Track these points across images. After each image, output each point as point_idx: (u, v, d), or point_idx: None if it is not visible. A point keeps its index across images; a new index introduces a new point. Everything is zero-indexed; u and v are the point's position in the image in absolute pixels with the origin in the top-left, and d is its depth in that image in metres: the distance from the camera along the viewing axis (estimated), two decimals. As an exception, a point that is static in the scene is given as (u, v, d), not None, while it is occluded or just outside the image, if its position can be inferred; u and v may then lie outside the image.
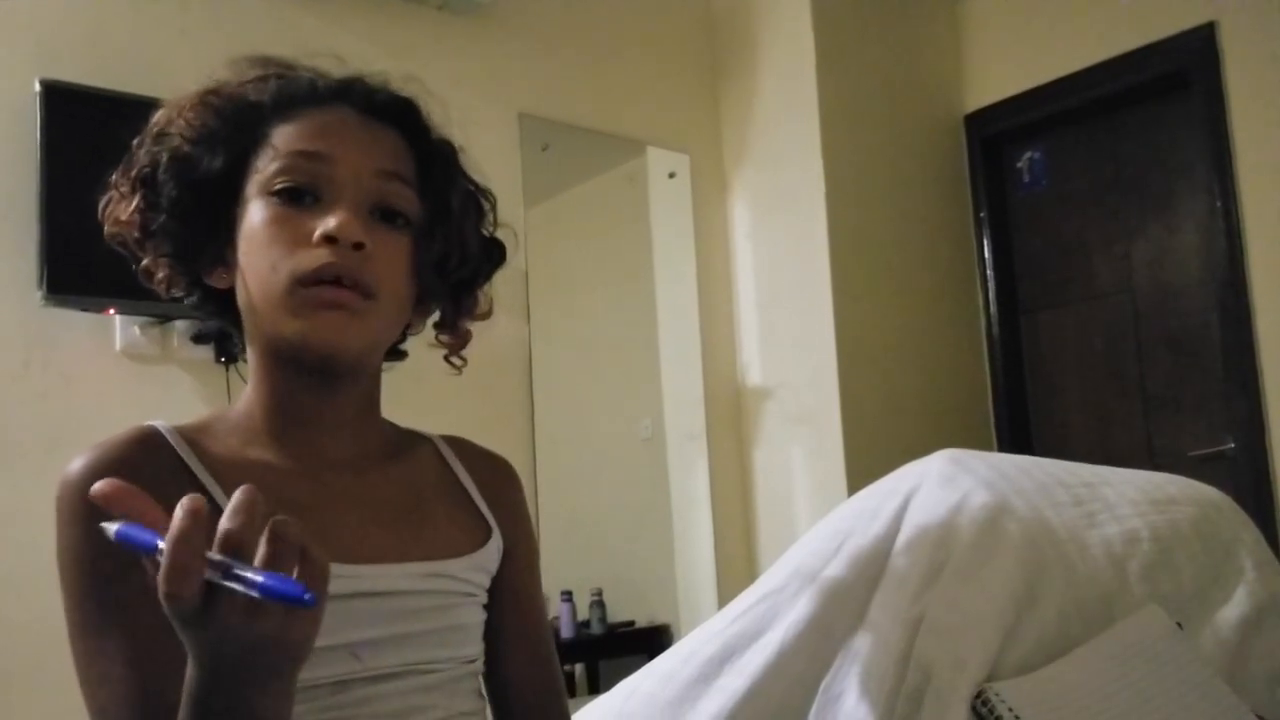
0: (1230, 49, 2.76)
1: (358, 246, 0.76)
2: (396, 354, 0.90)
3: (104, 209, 0.82)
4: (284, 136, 0.79)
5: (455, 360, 0.91)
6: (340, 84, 0.83)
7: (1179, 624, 0.96)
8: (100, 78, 2.07)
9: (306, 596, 0.50)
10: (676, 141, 3.09)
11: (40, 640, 1.83)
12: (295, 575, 0.54)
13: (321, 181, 0.78)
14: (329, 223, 0.75)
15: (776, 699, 0.96)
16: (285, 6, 2.38)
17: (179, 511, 0.53)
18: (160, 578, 0.52)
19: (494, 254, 0.91)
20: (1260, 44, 2.72)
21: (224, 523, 0.53)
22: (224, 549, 0.53)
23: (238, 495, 0.54)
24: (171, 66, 2.13)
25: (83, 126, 2.00)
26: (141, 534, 0.54)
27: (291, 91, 0.82)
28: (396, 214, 0.80)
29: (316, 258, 0.75)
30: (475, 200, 0.89)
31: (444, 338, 0.90)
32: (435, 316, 0.91)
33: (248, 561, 0.53)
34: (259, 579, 0.51)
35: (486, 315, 0.92)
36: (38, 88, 2.00)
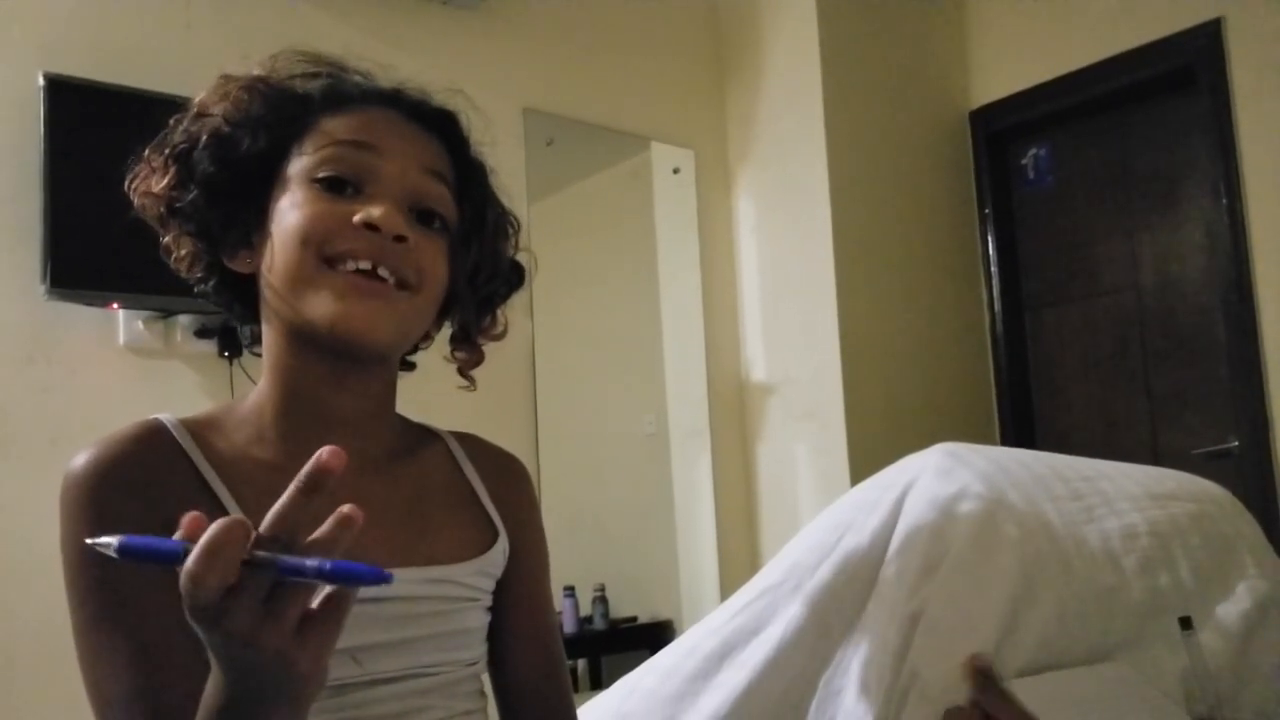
0: (1236, 45, 2.75)
1: (400, 239, 0.76)
2: (405, 364, 0.90)
3: (132, 181, 0.82)
4: (331, 126, 0.79)
5: (468, 377, 0.91)
6: (389, 89, 0.84)
7: (1189, 617, 0.95)
8: (104, 72, 2.07)
9: (386, 574, 0.48)
10: (681, 137, 3.09)
11: (46, 631, 1.83)
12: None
13: (366, 173, 0.78)
14: (372, 212, 0.75)
15: (776, 694, 0.96)
16: (290, 1, 2.38)
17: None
18: (190, 559, 0.50)
19: (515, 277, 0.92)
20: (1266, 40, 2.71)
21: (276, 511, 0.52)
22: (275, 530, 0.52)
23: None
24: (176, 61, 2.13)
25: (86, 121, 2.00)
26: (157, 542, 0.51)
27: (341, 89, 0.83)
28: (434, 216, 0.81)
29: (353, 239, 0.75)
30: (505, 220, 0.91)
31: (460, 354, 0.90)
32: (446, 332, 0.91)
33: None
34: (325, 565, 0.49)
35: (501, 336, 0.92)
36: (41, 82, 2.00)
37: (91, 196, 1.80)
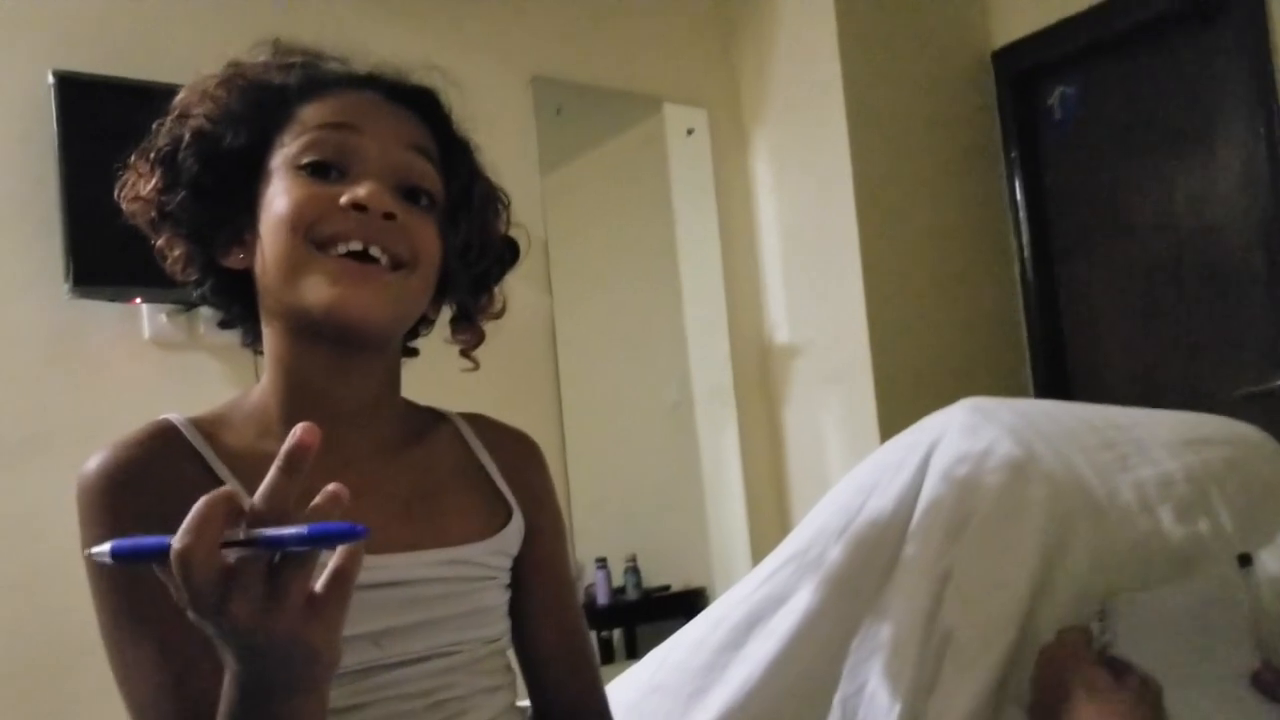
0: (1272, -32, 2.64)
1: (389, 217, 0.76)
2: (408, 351, 0.90)
3: (121, 189, 0.82)
4: (311, 113, 0.79)
5: (470, 358, 0.91)
6: (365, 72, 0.84)
7: (1249, 554, 0.93)
8: (113, 66, 2.08)
9: (359, 528, 0.49)
10: (693, 96, 3.04)
11: (86, 625, 1.86)
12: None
13: (349, 155, 0.78)
14: (358, 191, 0.75)
15: (806, 661, 0.95)
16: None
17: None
18: (176, 537, 0.50)
19: (508, 254, 0.92)
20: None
21: (262, 492, 0.52)
22: (264, 510, 0.52)
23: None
24: (183, 51, 2.12)
25: (98, 116, 2.01)
26: (144, 541, 0.52)
27: (317, 75, 0.83)
28: (421, 194, 0.80)
29: (342, 222, 0.75)
30: (494, 196, 0.90)
31: (460, 336, 0.90)
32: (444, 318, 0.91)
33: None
34: (303, 530, 0.49)
35: (500, 314, 0.92)
36: (51, 80, 2.00)
37: (108, 192, 1.81)
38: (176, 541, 0.50)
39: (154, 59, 2.07)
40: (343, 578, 0.54)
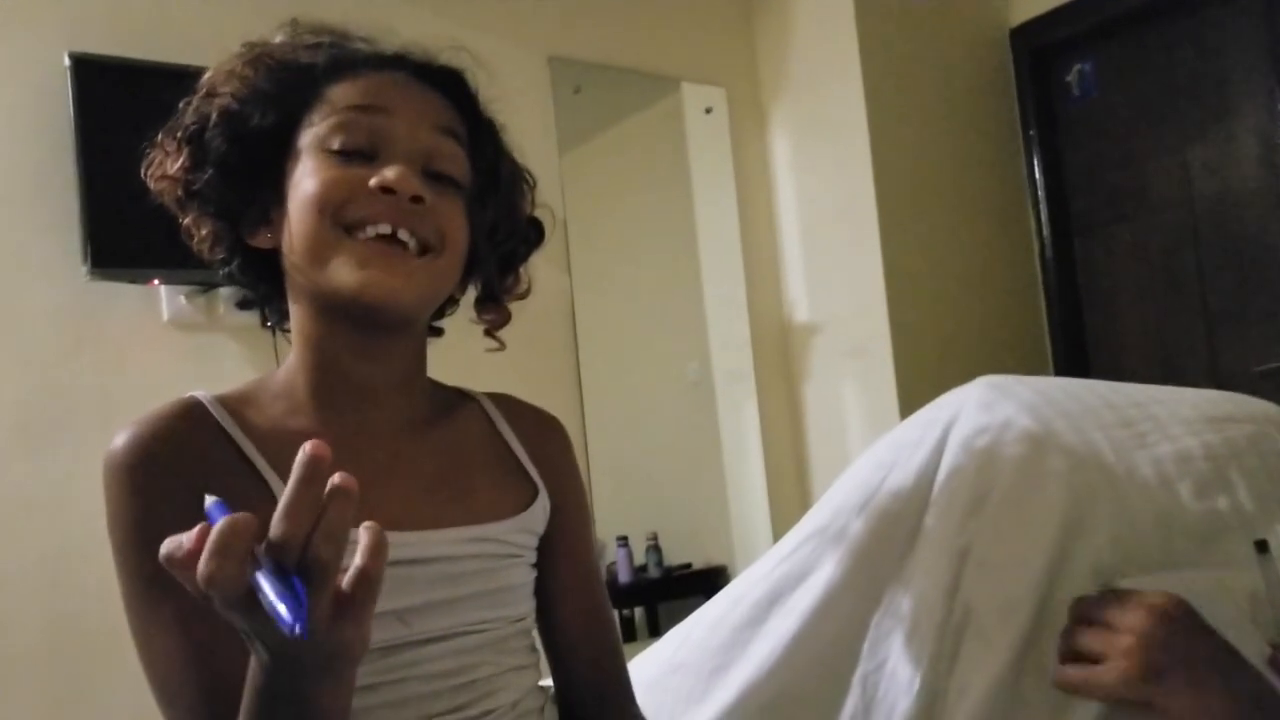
0: (1291, -62, 2.61)
1: (416, 200, 0.75)
2: (433, 330, 0.90)
3: (148, 167, 0.82)
4: (339, 94, 0.79)
5: (495, 338, 0.92)
6: (393, 52, 0.84)
7: (1265, 540, 0.93)
8: (128, 48, 2.08)
9: (296, 626, 0.49)
10: (711, 75, 3.02)
11: (110, 606, 1.88)
12: (359, 542, 0.54)
13: (378, 137, 0.77)
14: (386, 174, 0.75)
15: (828, 638, 0.95)
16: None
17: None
18: (201, 561, 0.50)
19: (533, 234, 0.92)
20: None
21: (281, 509, 0.52)
22: (288, 528, 0.52)
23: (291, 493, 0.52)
24: (198, 32, 2.12)
25: (115, 98, 2.02)
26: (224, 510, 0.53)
27: (345, 55, 0.82)
28: (448, 176, 0.80)
29: (370, 205, 0.75)
30: (520, 176, 0.90)
31: (486, 316, 0.91)
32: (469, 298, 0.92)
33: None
34: (267, 589, 0.50)
35: (525, 295, 0.92)
36: (67, 62, 2.01)
37: (125, 174, 1.81)
38: (202, 565, 0.50)
39: (170, 41, 2.07)
40: (368, 577, 0.54)
